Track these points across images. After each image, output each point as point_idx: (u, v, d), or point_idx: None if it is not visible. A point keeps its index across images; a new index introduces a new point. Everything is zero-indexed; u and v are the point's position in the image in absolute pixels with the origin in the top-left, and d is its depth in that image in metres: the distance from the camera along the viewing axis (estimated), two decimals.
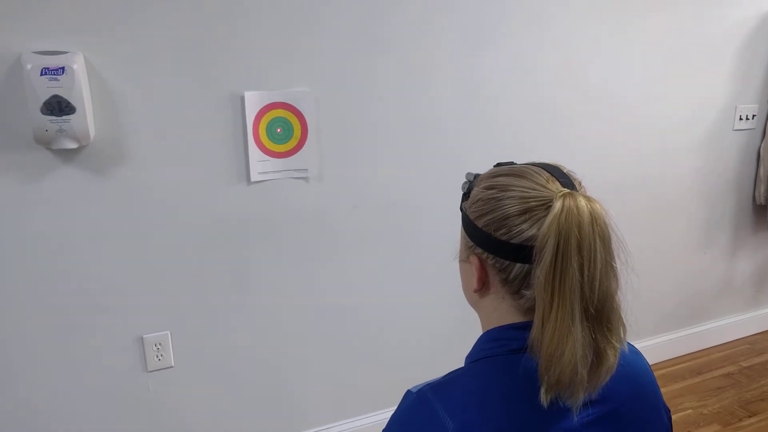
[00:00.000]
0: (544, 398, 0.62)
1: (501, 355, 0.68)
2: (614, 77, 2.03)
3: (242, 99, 1.52)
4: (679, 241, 2.37)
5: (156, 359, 1.57)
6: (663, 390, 2.20)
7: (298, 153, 1.62)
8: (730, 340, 2.61)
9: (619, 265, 0.63)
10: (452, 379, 0.69)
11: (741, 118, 2.34)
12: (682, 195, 2.31)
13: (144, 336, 1.55)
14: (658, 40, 2.07)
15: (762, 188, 2.42)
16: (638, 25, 2.02)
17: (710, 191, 2.38)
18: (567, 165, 0.73)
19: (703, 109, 2.25)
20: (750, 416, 2.07)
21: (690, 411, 2.11)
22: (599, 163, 2.08)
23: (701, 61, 2.19)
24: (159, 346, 1.57)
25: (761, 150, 2.41)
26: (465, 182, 0.76)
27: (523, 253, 0.64)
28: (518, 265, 0.66)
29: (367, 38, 1.63)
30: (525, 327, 0.65)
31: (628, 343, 0.75)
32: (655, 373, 2.35)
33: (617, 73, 2.03)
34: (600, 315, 0.62)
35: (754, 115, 2.37)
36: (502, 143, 1.88)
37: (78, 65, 1.31)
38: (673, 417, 2.07)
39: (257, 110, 1.55)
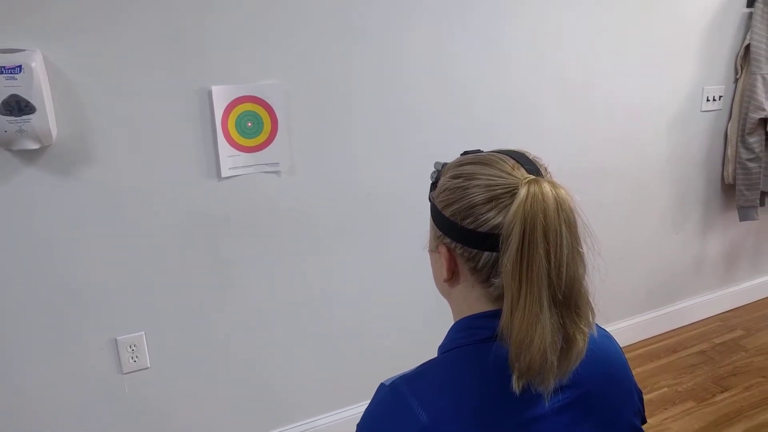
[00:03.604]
0: (515, 386, 0.62)
1: (472, 344, 0.68)
2: (585, 63, 2.04)
3: (209, 93, 1.50)
4: (652, 222, 2.41)
5: (131, 361, 1.55)
6: (639, 369, 2.25)
7: (269, 147, 1.60)
8: (702, 318, 2.67)
9: (585, 249, 0.64)
10: (425, 370, 0.69)
11: (708, 100, 2.38)
12: (653, 177, 2.35)
13: (118, 337, 1.53)
14: (626, 25, 2.09)
15: (730, 168, 2.47)
16: (607, 9, 2.03)
17: (681, 172, 2.41)
18: (539, 152, 0.73)
19: (671, 91, 2.28)
20: (723, 391, 2.13)
21: (666, 389, 2.16)
22: (572, 149, 2.10)
23: (668, 44, 2.21)
24: (134, 348, 1.55)
25: (728, 130, 2.46)
26: (433, 171, 0.76)
27: (490, 241, 0.64)
28: (486, 253, 0.66)
29: (337, 28, 1.61)
30: (495, 315, 0.65)
31: (599, 326, 0.76)
32: (632, 354, 2.40)
33: (588, 58, 2.04)
34: (568, 300, 0.62)
35: (720, 96, 2.41)
36: (476, 132, 1.88)
37: (36, 63, 1.27)
38: (650, 395, 2.11)
39: (225, 104, 1.52)
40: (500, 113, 1.92)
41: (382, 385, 0.70)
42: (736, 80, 2.41)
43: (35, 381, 1.47)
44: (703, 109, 2.38)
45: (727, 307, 2.75)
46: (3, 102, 1.25)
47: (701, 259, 2.61)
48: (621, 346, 0.79)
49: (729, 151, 2.46)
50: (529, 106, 1.97)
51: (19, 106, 1.26)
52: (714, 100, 2.39)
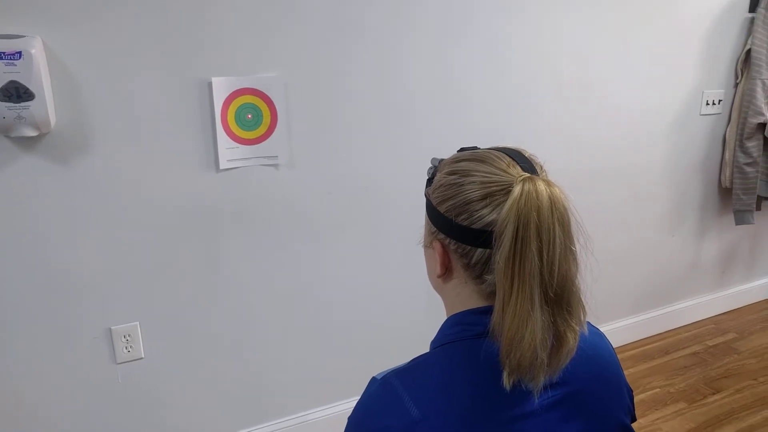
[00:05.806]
0: (506, 382, 0.62)
1: (464, 339, 0.69)
2: (585, 64, 2.04)
3: (210, 85, 1.49)
4: (649, 224, 2.41)
5: (125, 351, 1.55)
6: (632, 370, 2.27)
7: (268, 140, 1.60)
8: (696, 320, 2.68)
9: (578, 248, 0.64)
10: (416, 365, 0.69)
11: (707, 103, 2.38)
12: (651, 179, 2.35)
13: (112, 327, 1.53)
14: (627, 27, 2.09)
15: (727, 172, 2.47)
16: (608, 11, 2.03)
17: (678, 175, 2.42)
18: (538, 152, 0.73)
19: (670, 94, 2.28)
20: (714, 393, 2.14)
21: (658, 390, 2.17)
22: (571, 150, 2.10)
23: (669, 47, 2.21)
24: (128, 338, 1.55)
25: (727, 134, 2.46)
26: (430, 167, 0.76)
27: (483, 237, 0.64)
28: (479, 250, 0.66)
29: (337, 23, 1.61)
30: (487, 311, 0.65)
31: (591, 325, 0.76)
32: (625, 354, 2.41)
33: (588, 60, 2.04)
34: (559, 298, 0.62)
35: (720, 100, 2.41)
36: (475, 130, 1.88)
37: (36, 50, 1.27)
38: (642, 396, 2.12)
39: (225, 96, 1.52)
40: (499, 112, 1.92)
41: (373, 379, 0.70)
42: (736, 85, 2.42)
43: (29, 369, 1.47)
44: (702, 113, 2.38)
45: (721, 310, 2.76)
46: (2, 88, 1.24)
47: (697, 262, 2.62)
48: (614, 346, 0.79)
49: (727, 155, 2.46)
50: (528, 105, 1.97)
51: (18, 93, 1.26)
52: (714, 104, 2.40)
